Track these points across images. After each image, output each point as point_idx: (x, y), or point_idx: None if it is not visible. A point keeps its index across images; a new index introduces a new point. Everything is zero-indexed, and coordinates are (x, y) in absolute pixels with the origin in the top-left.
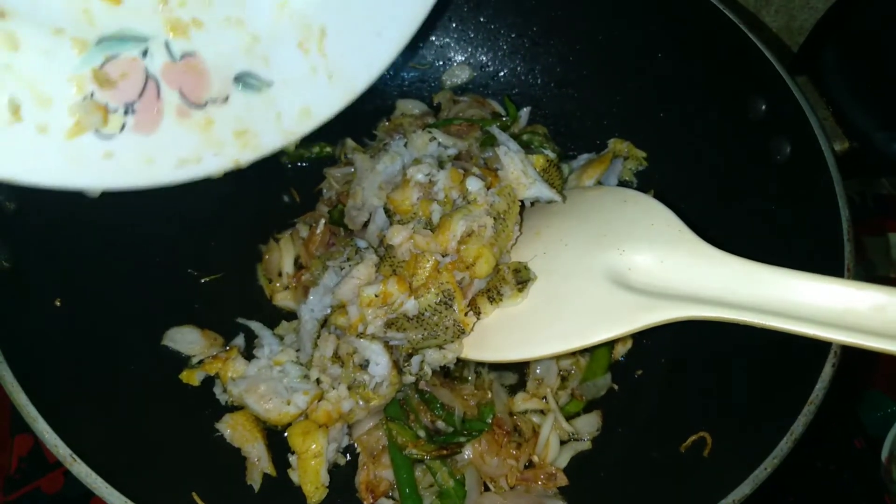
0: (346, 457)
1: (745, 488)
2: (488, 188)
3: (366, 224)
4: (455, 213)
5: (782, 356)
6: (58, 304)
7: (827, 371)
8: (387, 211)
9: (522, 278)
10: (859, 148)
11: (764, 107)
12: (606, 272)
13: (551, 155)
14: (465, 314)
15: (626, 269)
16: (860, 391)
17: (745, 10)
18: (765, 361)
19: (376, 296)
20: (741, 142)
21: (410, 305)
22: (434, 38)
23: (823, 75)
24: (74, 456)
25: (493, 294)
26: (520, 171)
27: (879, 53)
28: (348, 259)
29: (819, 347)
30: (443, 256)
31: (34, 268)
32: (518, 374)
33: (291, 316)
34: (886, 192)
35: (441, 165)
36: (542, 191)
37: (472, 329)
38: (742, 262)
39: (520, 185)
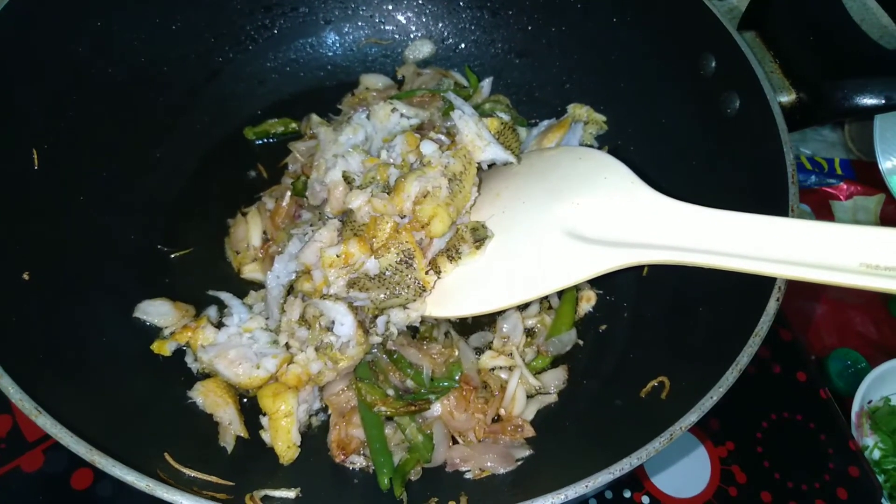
0: (318, 417)
1: (691, 416)
2: (444, 151)
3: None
4: (409, 175)
5: (734, 299)
6: (26, 277)
7: (772, 305)
8: (346, 178)
9: (480, 236)
10: (806, 99)
11: (714, 63)
12: (562, 225)
13: (505, 118)
14: (426, 273)
15: (580, 220)
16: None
17: None
18: (719, 306)
19: (338, 256)
20: (695, 98)
21: (371, 265)
22: (395, 14)
23: (771, 30)
24: (40, 409)
25: (452, 253)
26: (474, 133)
27: (822, 6)
28: (312, 226)
29: (765, 284)
30: (401, 218)
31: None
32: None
33: (260, 287)
34: (854, 158)
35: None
36: (497, 153)
37: (433, 287)
38: (691, 208)
39: (475, 147)
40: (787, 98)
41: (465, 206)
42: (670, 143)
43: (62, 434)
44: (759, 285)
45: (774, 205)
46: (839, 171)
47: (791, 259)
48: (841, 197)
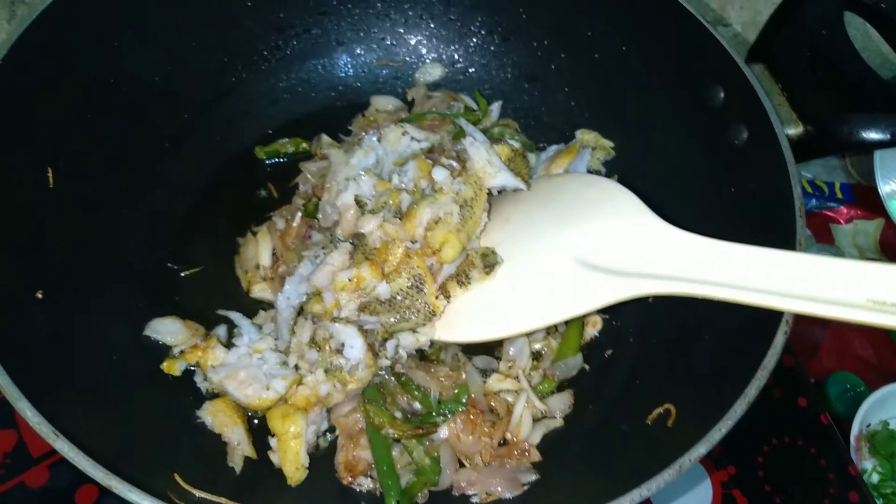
0: (326, 438)
1: (700, 448)
2: (456, 177)
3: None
4: (421, 202)
5: (740, 328)
6: (39, 295)
7: (779, 338)
8: (358, 202)
9: (490, 262)
10: (813, 131)
11: (722, 95)
12: (571, 253)
13: (516, 145)
14: (436, 297)
15: (589, 249)
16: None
17: (709, 8)
18: (725, 335)
19: (350, 280)
20: (702, 129)
21: (383, 289)
22: (407, 37)
23: (779, 63)
24: (57, 433)
25: (462, 278)
26: (485, 160)
27: (830, 41)
28: (323, 248)
29: (773, 315)
30: (412, 243)
31: (14, 260)
32: (492, 356)
33: (269, 306)
34: (854, 182)
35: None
36: (507, 179)
37: (443, 312)
38: (698, 239)
39: (486, 174)
40: (795, 131)
41: (476, 231)
42: (677, 173)
43: (80, 459)
44: (767, 315)
45: (782, 237)
46: (839, 195)
47: (798, 293)
48: (841, 220)
